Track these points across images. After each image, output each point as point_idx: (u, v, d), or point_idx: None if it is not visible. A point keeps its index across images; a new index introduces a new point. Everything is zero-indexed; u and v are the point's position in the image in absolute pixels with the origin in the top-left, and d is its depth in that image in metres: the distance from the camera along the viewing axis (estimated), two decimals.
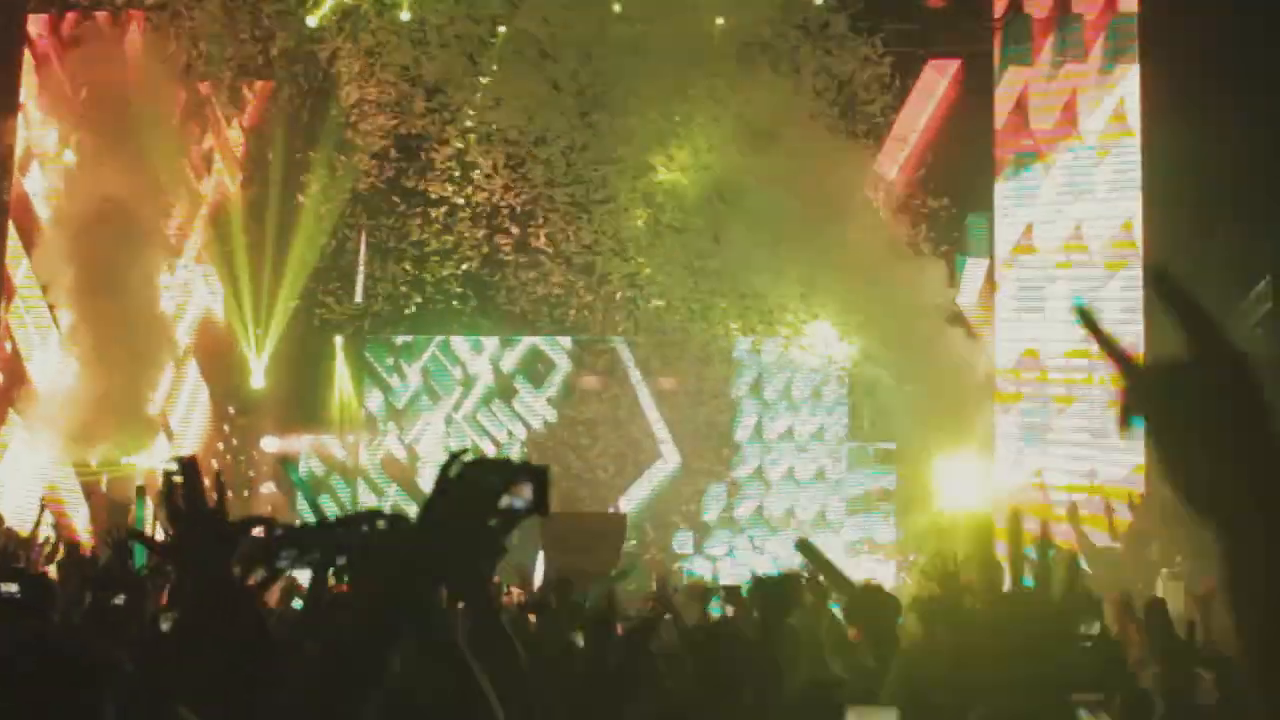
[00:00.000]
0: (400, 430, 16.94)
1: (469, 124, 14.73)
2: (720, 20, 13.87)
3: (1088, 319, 1.33)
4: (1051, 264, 14.93)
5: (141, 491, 12.65)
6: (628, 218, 14.49)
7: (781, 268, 13.54)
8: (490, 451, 16.33)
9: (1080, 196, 14.86)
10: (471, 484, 1.78)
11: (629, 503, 16.07)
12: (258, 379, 16.31)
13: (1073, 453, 14.48)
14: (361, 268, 16.30)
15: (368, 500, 16.71)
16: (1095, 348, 1.31)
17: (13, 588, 4.56)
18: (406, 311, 16.03)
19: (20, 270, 15.95)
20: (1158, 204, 14.30)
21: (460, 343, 16.86)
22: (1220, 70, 12.27)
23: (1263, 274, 13.70)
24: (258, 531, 2.57)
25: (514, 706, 2.47)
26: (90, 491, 14.92)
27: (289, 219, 16.02)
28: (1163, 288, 1.22)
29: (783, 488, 16.10)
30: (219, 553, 2.52)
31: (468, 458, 1.82)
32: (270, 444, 16.17)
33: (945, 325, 13.69)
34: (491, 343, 16.75)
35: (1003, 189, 15.20)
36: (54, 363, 15.64)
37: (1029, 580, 1.89)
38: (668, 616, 6.59)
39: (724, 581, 11.72)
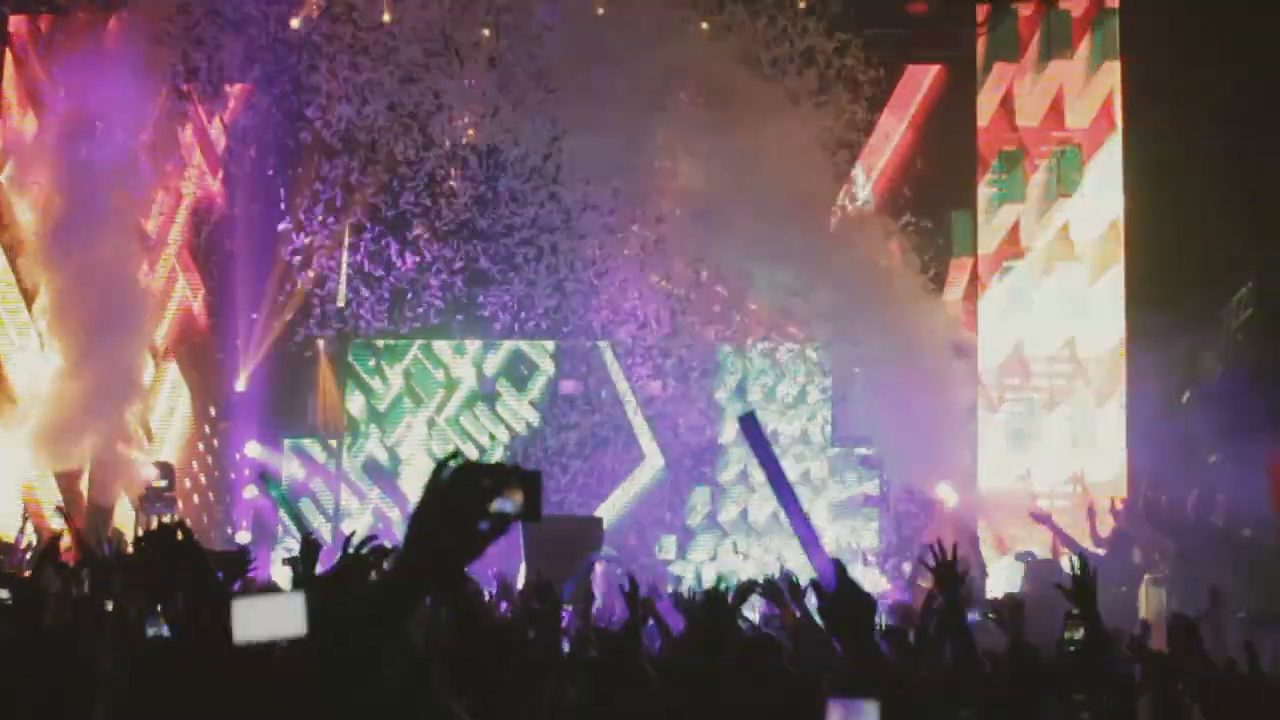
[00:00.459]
0: (382, 433, 17.01)
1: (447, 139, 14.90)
2: (704, 24, 14.00)
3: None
4: (1038, 263, 15.03)
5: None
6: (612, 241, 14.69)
7: (762, 269, 13.65)
8: (473, 454, 16.45)
9: (1067, 195, 14.92)
10: (463, 487, 1.82)
11: (612, 507, 16.15)
12: (239, 381, 16.37)
13: (1058, 454, 14.63)
14: (344, 270, 16.37)
15: (350, 504, 16.76)
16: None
17: (3, 593, 4.65)
18: (388, 314, 16.09)
19: None
20: (1140, 204, 14.45)
21: (443, 345, 16.96)
22: (1203, 66, 12.41)
23: (1244, 278, 13.87)
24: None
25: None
26: (69, 492, 14.91)
27: (274, 217, 16.07)
28: None
29: (766, 491, 16.13)
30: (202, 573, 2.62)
31: (459, 461, 1.86)
32: (253, 449, 16.21)
33: (930, 324, 13.77)
34: (474, 345, 16.85)
35: (988, 187, 15.31)
36: (33, 364, 15.65)
37: None
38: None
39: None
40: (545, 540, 10.62)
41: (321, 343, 16.49)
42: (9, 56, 15.97)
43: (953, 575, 4.77)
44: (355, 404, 17.04)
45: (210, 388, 16.44)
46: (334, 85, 14.85)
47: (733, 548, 15.94)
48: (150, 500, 14.29)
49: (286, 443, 16.62)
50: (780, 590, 6.97)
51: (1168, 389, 12.34)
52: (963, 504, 13.52)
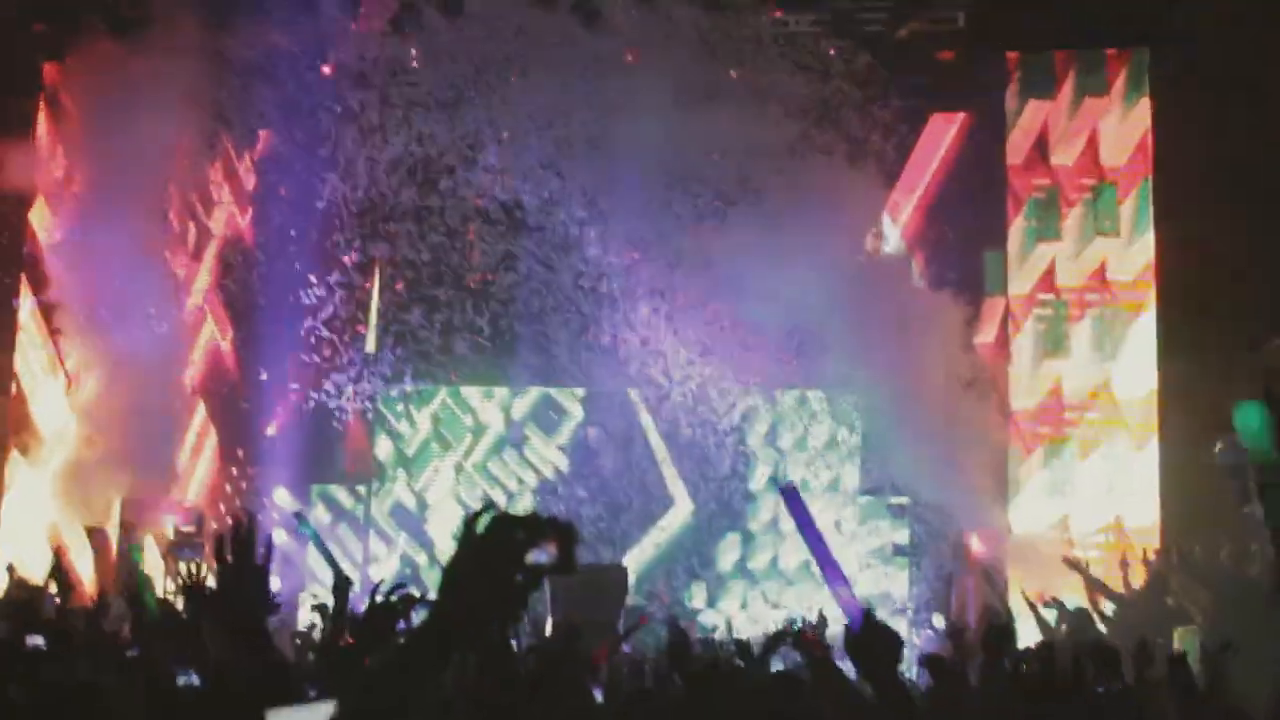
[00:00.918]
0: (410, 478, 17.08)
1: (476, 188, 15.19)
2: (733, 72, 14.28)
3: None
4: (1074, 304, 15.04)
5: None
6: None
7: (792, 315, 13.80)
8: (501, 500, 16.53)
9: (1104, 234, 14.94)
10: (497, 539, 1.84)
11: (640, 553, 16.16)
12: (270, 428, 16.45)
13: (1095, 500, 14.57)
14: (375, 316, 16.53)
15: (379, 550, 16.81)
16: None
17: (37, 640, 4.74)
18: (418, 362, 16.28)
19: (25, 307, 16.13)
20: (1173, 244, 14.47)
21: (471, 390, 17.07)
22: (1234, 103, 12.46)
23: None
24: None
25: None
26: (94, 533, 14.99)
27: (304, 257, 16.26)
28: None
29: (797, 539, 15.99)
30: (260, 605, 2.72)
31: (493, 512, 1.87)
32: (282, 496, 16.28)
33: (960, 369, 13.84)
34: (502, 390, 16.95)
35: (1021, 226, 15.34)
36: (59, 405, 15.83)
37: None
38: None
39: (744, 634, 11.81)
40: (569, 589, 10.68)
41: (350, 389, 16.60)
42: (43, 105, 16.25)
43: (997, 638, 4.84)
44: (383, 449, 17.15)
45: (238, 430, 16.54)
46: (367, 128, 15.13)
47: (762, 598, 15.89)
48: (179, 545, 14.39)
49: (314, 489, 16.69)
50: (810, 639, 7.04)
51: (1201, 434, 12.33)
52: (994, 552, 13.51)
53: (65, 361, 16.04)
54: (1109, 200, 15.05)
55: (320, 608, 9.60)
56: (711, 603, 16.13)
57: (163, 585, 13.79)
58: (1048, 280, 15.25)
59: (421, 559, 16.54)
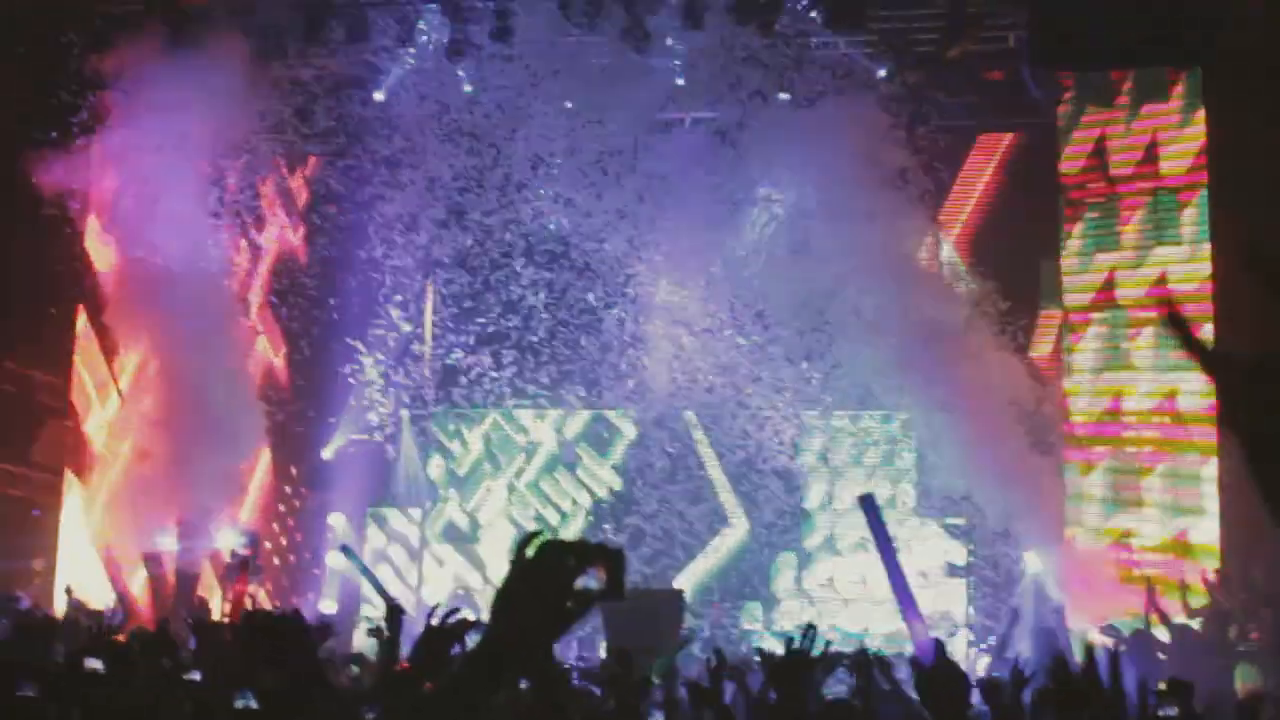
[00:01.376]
0: (462, 498, 17.16)
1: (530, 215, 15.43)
2: (784, 95, 14.44)
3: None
4: (1134, 315, 14.91)
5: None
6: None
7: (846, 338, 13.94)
8: (553, 519, 16.59)
9: (1163, 245, 14.80)
10: (547, 565, 1.85)
11: (694, 573, 16.15)
12: (326, 451, 16.58)
13: (1158, 517, 14.38)
14: (429, 337, 16.68)
15: (432, 572, 16.88)
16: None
17: (95, 663, 4.83)
18: (472, 384, 16.42)
19: (79, 323, 16.40)
20: (1228, 255, 14.27)
21: (523, 409, 17.14)
22: None
23: None
24: None
25: None
26: (150, 558, 15.11)
27: (356, 277, 16.42)
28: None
29: (853, 558, 15.98)
30: (309, 637, 2.79)
31: (543, 538, 1.87)
32: (337, 520, 16.40)
33: (1016, 385, 13.80)
34: (554, 410, 17.03)
35: (1079, 237, 15.23)
36: (113, 423, 16.02)
37: None
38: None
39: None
40: (624, 614, 10.71)
41: (405, 412, 16.71)
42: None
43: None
44: (435, 469, 17.23)
45: (292, 452, 16.68)
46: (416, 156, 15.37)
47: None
48: (235, 568, 14.45)
49: (369, 511, 16.79)
50: (868, 663, 7.02)
51: None
52: (1053, 571, 13.39)
53: (119, 381, 16.27)
54: (1170, 208, 14.86)
55: (375, 631, 9.69)
56: (767, 624, 16.08)
57: (219, 607, 13.95)
58: (1107, 291, 15.10)
59: (474, 579, 16.62)
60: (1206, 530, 13.99)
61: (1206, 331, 14.46)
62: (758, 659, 8.64)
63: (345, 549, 8.79)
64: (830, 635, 14.67)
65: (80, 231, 16.00)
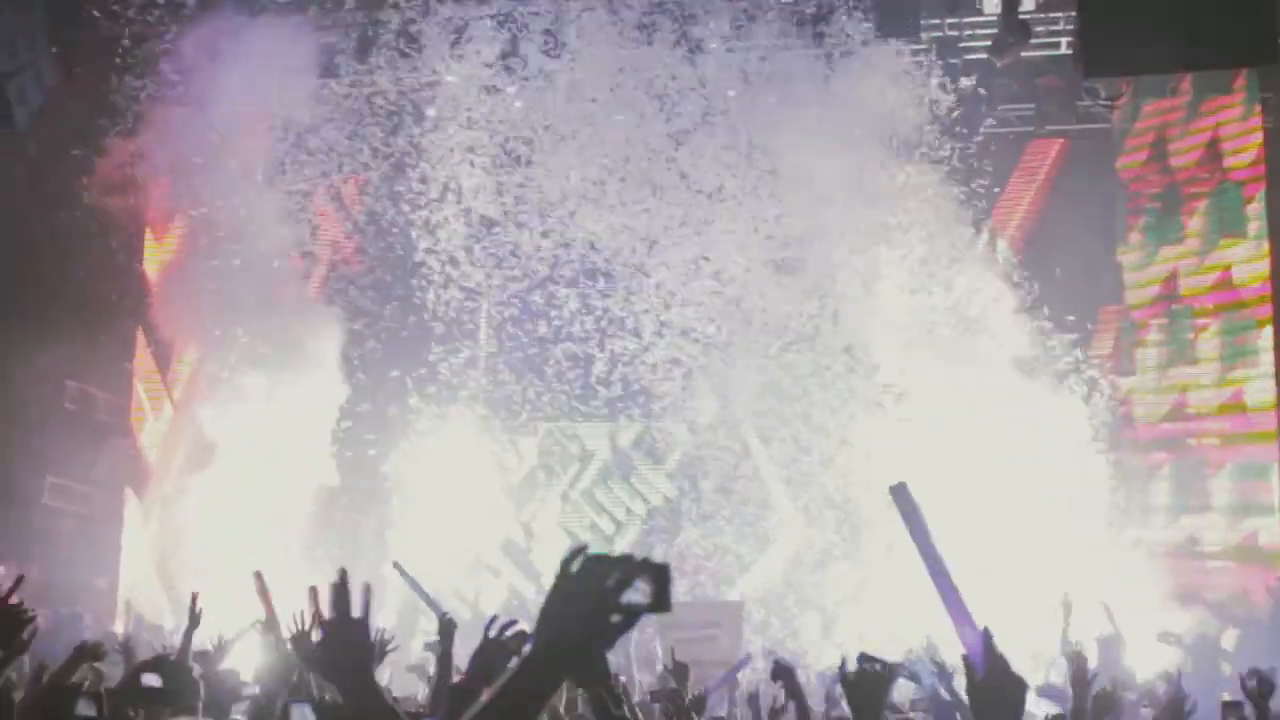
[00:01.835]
0: (515, 508, 17.12)
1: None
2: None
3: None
4: (1199, 311, 14.69)
5: None
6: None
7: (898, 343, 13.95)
8: (608, 529, 16.55)
9: (1228, 239, 14.57)
10: (593, 579, 1.87)
11: (751, 583, 16.00)
12: (386, 464, 16.64)
13: (1226, 519, 14.13)
14: (482, 343, 16.70)
15: (487, 583, 16.85)
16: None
17: (153, 679, 4.85)
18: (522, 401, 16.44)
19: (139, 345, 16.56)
20: None
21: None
22: None
23: None
24: None
25: None
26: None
27: (409, 281, 16.50)
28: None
29: (913, 567, 15.73)
30: (363, 656, 2.78)
31: (587, 553, 1.90)
32: (393, 537, 16.44)
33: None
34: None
35: (1141, 232, 15.03)
36: (167, 436, 16.20)
37: None
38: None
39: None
40: (684, 626, 10.68)
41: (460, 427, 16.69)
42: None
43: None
44: (489, 479, 17.11)
45: (349, 465, 16.70)
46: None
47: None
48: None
49: (428, 529, 16.77)
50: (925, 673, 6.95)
51: None
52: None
53: (172, 392, 16.46)
54: (1234, 200, 14.60)
55: (431, 646, 9.71)
56: (824, 633, 15.93)
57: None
58: (1170, 287, 14.87)
59: (529, 590, 16.59)
60: (1275, 531, 13.72)
61: (1266, 335, 14.24)
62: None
63: (396, 565, 8.86)
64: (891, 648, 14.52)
65: (138, 248, 16.21)
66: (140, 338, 16.62)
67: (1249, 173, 14.65)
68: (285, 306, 15.83)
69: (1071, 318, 14.96)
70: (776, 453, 16.17)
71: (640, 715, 6.18)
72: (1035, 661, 12.39)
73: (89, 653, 5.92)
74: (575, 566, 1.89)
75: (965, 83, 15.05)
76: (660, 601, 1.85)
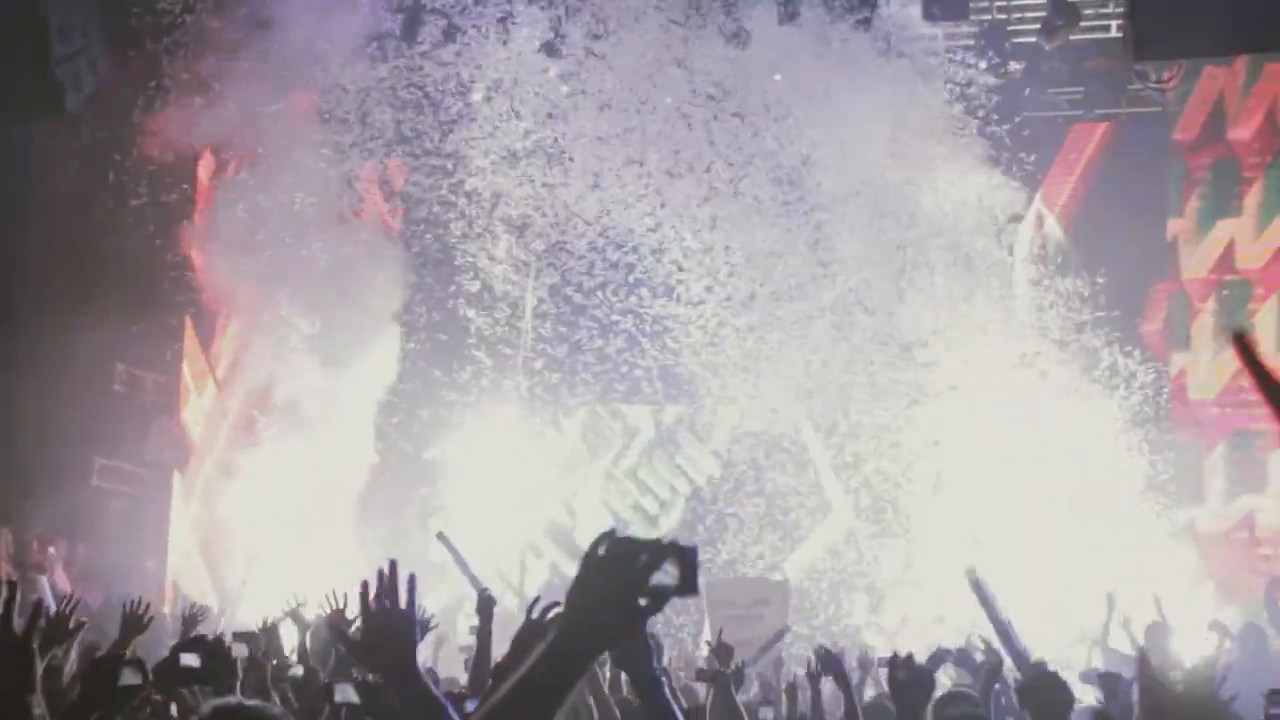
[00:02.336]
0: (558, 487, 17.06)
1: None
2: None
3: (1243, 346, 1.31)
4: (1257, 284, 14.51)
5: None
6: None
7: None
8: (652, 508, 16.50)
9: None
10: (620, 562, 1.90)
11: (798, 562, 15.89)
12: (429, 452, 16.69)
13: None
14: (528, 327, 16.68)
15: (529, 562, 16.85)
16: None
17: (192, 659, 4.87)
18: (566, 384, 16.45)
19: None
20: None
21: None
22: None
23: None
24: None
25: None
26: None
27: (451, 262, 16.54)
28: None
29: (964, 546, 15.60)
30: (405, 643, 2.81)
31: (615, 535, 1.94)
32: (438, 518, 16.50)
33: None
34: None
35: (1197, 205, 14.82)
36: (208, 411, 16.33)
37: None
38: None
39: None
40: (730, 605, 10.69)
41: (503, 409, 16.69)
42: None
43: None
44: (532, 457, 17.05)
45: (396, 449, 16.76)
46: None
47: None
48: None
49: (472, 510, 16.80)
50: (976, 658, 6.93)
51: None
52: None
53: (216, 369, 16.61)
54: None
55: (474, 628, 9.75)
56: (872, 614, 15.82)
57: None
58: (1227, 261, 14.64)
59: (572, 570, 16.46)
60: None
61: None
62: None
63: (441, 535, 8.92)
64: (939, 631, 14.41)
65: (186, 229, 16.31)
66: (187, 319, 16.77)
67: None
68: (332, 285, 15.95)
69: (1118, 295, 14.84)
70: (825, 434, 16.09)
71: (682, 698, 6.18)
72: (1084, 643, 12.30)
73: (138, 625, 6.01)
74: (602, 549, 1.90)
75: (1014, 66, 15.05)
76: (687, 585, 1.86)
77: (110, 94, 14.61)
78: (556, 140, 15.73)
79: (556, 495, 17.03)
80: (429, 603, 14.89)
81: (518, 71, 15.67)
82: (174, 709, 4.88)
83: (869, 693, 8.46)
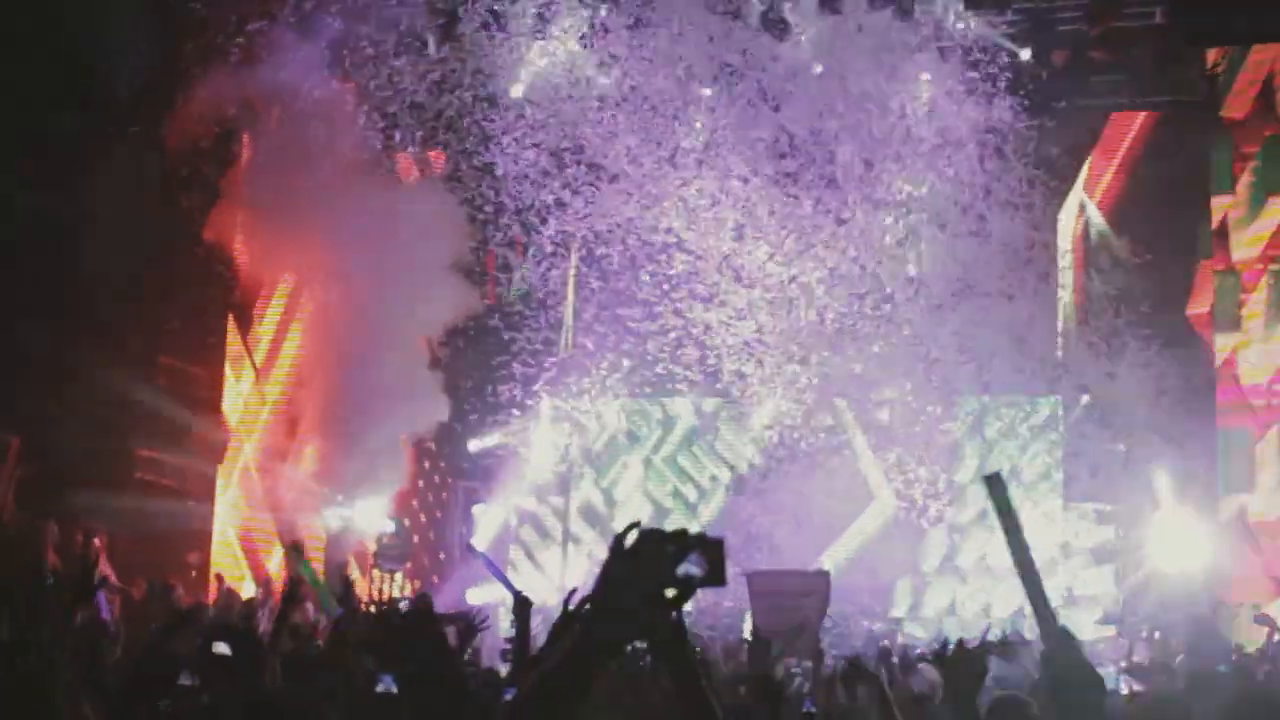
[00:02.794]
0: (597, 475, 17.07)
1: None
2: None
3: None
4: None
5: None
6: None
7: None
8: (691, 496, 16.44)
9: None
10: (647, 553, 1.88)
11: (841, 551, 15.79)
12: (472, 444, 16.70)
13: None
14: (569, 322, 16.64)
15: (568, 552, 16.85)
16: None
17: (223, 648, 4.91)
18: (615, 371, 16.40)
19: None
20: None
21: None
22: None
23: None
24: None
25: None
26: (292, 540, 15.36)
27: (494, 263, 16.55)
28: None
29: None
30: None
31: (642, 527, 1.91)
32: (481, 510, 16.54)
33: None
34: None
35: (1248, 183, 14.61)
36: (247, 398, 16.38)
37: None
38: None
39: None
40: (771, 595, 10.65)
41: (545, 400, 16.64)
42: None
43: None
44: (571, 445, 17.04)
45: (440, 440, 16.76)
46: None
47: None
48: (383, 555, 14.66)
49: (514, 501, 16.85)
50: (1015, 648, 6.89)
51: None
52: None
53: (253, 355, 16.69)
54: None
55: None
56: (916, 605, 15.73)
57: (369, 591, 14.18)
58: (1278, 240, 14.42)
59: None
60: None
61: None
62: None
63: (469, 547, 8.89)
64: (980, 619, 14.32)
65: (230, 223, 16.40)
66: (228, 312, 16.90)
67: None
68: (371, 273, 16.01)
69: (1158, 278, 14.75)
70: (867, 424, 16.02)
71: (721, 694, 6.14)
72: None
73: (189, 616, 6.03)
74: (629, 541, 1.90)
75: (1057, 54, 15.02)
76: (715, 576, 1.87)
77: (158, 92, 14.76)
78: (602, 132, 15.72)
79: (595, 483, 17.02)
80: (471, 596, 15.02)
81: (558, 68, 15.67)
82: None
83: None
